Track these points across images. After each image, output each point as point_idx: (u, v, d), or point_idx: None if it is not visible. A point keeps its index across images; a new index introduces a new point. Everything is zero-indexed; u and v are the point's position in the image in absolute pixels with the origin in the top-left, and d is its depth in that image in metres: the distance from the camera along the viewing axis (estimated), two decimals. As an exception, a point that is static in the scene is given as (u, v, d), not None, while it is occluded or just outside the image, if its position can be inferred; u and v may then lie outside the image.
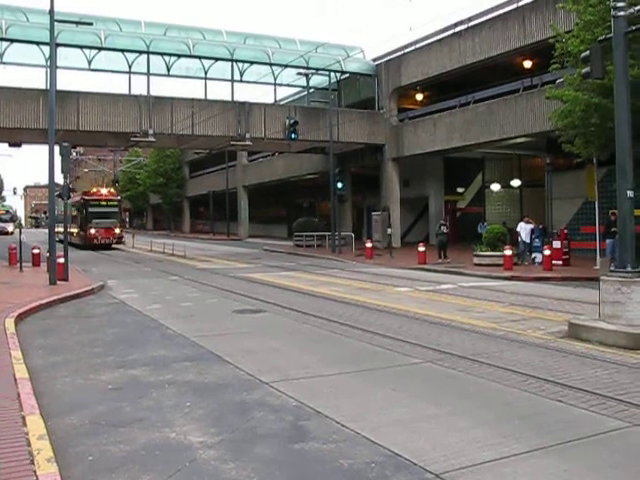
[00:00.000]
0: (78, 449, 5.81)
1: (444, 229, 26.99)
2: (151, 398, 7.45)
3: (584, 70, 12.63)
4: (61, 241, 21.15)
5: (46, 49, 27.43)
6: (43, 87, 28.63)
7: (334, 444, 5.91)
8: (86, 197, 42.92)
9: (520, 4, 28.71)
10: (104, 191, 45.01)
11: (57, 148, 19.54)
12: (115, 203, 43.61)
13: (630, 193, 11.07)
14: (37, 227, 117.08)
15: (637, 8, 11.68)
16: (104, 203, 42.68)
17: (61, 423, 6.52)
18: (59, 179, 21.41)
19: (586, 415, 6.70)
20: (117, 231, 42.41)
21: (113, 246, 41.93)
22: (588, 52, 12.28)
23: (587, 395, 7.34)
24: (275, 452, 5.76)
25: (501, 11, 29.96)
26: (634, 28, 11.32)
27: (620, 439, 6.05)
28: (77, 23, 22.50)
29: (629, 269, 10.81)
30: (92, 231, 41.01)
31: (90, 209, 41.68)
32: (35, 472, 4.93)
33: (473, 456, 5.56)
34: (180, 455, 5.67)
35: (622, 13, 11.28)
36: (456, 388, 7.88)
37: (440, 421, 6.57)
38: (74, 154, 71.41)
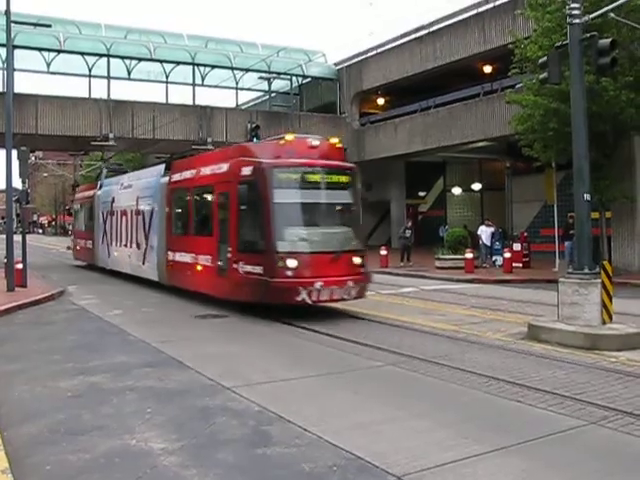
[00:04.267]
0: (35, 459, 5.70)
1: (408, 233, 27.01)
2: (111, 405, 7.34)
3: (542, 75, 12.84)
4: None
5: (2, 51, 26.82)
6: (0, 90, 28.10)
7: (296, 448, 5.91)
8: (265, 160, 13.78)
9: (480, 10, 29.10)
10: (315, 142, 14.56)
11: (15, 152, 19.18)
12: (346, 179, 14.68)
13: (587, 196, 11.31)
14: None
15: (591, 16, 11.98)
16: (318, 179, 14.13)
17: (18, 432, 6.39)
18: (17, 184, 20.98)
19: (545, 415, 6.81)
20: (357, 261, 13.73)
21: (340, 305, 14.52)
22: (546, 58, 12.53)
23: (546, 395, 7.45)
24: (237, 457, 5.73)
25: (462, 17, 30.30)
26: (589, 35, 11.55)
27: (577, 437, 6.17)
28: (35, 25, 22.07)
29: (586, 271, 11.02)
30: (290, 266, 12.80)
31: (278, 196, 13.47)
32: (-10, 483, 4.83)
33: (434, 457, 5.60)
34: (141, 462, 5.59)
35: (577, 21, 11.54)
36: (417, 390, 7.94)
37: (402, 423, 6.61)
38: (33, 158, 70.21)
